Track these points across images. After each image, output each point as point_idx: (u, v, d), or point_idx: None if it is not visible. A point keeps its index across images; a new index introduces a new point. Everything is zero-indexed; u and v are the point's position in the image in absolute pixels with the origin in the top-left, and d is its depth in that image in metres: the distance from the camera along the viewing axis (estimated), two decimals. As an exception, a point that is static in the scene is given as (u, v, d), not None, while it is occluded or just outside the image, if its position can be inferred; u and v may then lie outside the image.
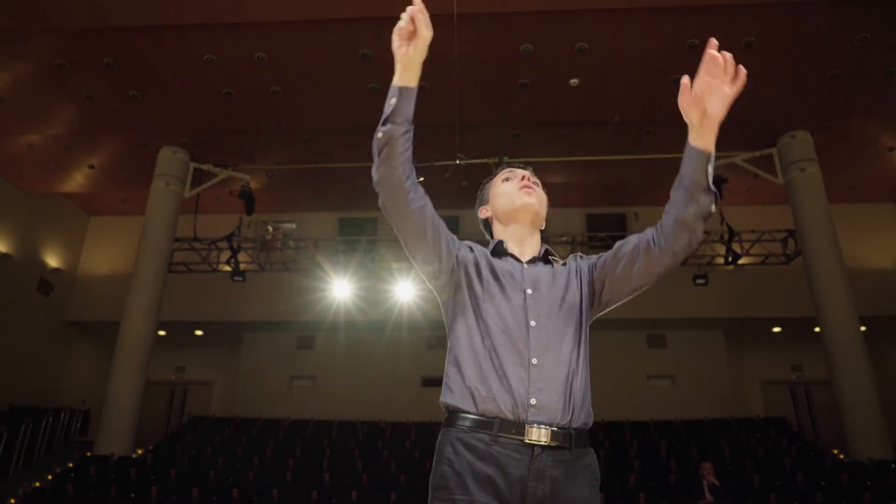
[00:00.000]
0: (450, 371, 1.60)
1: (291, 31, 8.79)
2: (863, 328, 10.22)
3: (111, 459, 9.70)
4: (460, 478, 1.44)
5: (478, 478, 1.43)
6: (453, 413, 1.54)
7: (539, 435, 1.45)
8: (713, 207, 1.50)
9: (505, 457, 1.44)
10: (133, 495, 8.58)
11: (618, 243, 1.68)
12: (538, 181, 1.83)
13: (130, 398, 10.28)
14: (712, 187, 1.49)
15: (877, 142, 11.20)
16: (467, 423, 1.50)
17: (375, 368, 13.25)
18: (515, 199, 1.76)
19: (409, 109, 1.52)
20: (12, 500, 8.79)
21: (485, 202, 1.90)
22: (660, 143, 11.03)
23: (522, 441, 1.45)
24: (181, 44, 8.99)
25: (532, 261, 1.72)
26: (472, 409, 1.50)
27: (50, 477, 9.46)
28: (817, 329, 10.48)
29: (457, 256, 1.67)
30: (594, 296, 1.71)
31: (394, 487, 8.63)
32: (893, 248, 13.64)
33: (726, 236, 11.64)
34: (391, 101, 1.51)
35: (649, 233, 1.60)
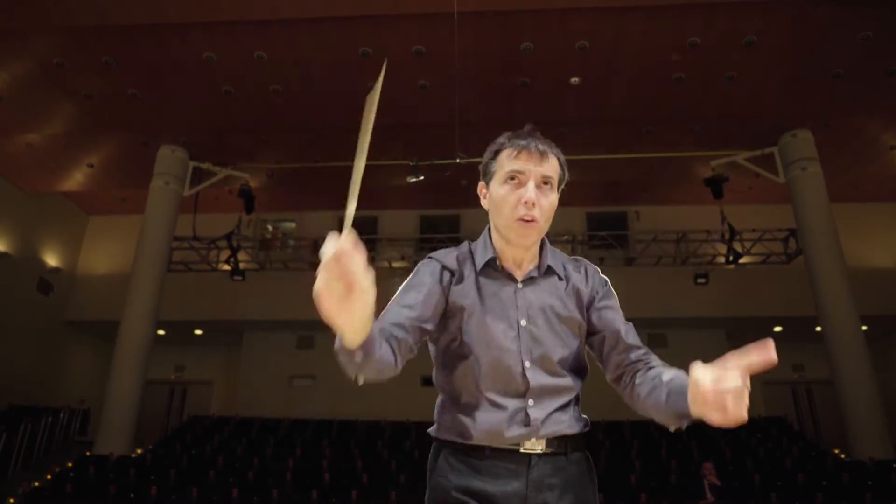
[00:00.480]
0: (439, 406, 1.54)
1: (291, 30, 8.76)
2: (864, 328, 10.20)
3: (110, 459, 9.66)
4: (456, 491, 1.39)
5: (474, 491, 1.38)
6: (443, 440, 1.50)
7: (534, 444, 1.41)
8: (672, 429, 1.39)
9: (501, 469, 1.39)
10: (132, 495, 8.55)
11: (617, 339, 1.52)
12: (553, 180, 1.52)
13: (130, 397, 10.26)
14: (682, 427, 1.34)
15: (878, 141, 11.16)
16: (461, 444, 1.45)
17: (375, 368, 13.17)
18: (510, 232, 1.48)
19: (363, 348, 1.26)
20: (11, 500, 8.76)
21: (485, 181, 1.58)
22: (660, 141, 11.01)
23: (518, 451, 1.40)
24: (181, 42, 8.97)
25: (530, 279, 1.53)
26: (460, 440, 1.45)
27: (49, 477, 9.42)
28: (818, 329, 10.47)
29: (447, 301, 1.49)
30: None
31: (394, 487, 8.60)
32: (895, 248, 13.62)
33: (727, 235, 11.61)
34: (343, 360, 1.26)
35: (630, 373, 1.48)
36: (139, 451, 10.46)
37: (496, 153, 1.55)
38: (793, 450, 10.23)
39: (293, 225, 15.17)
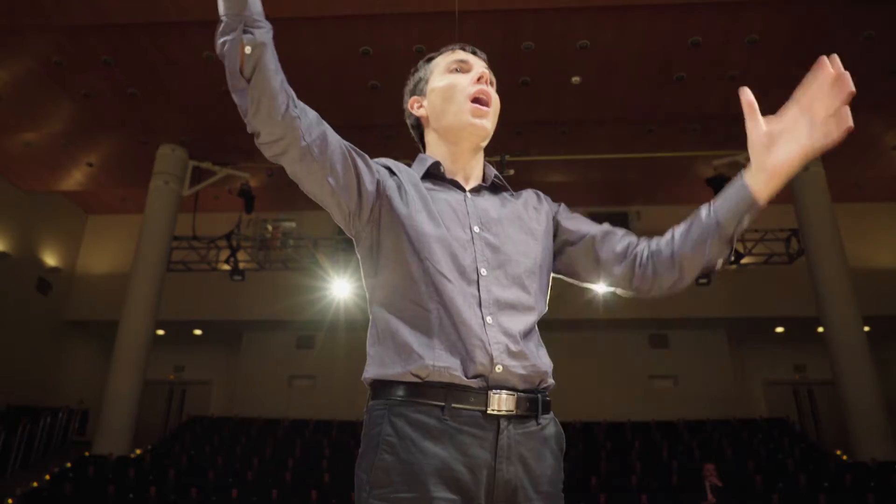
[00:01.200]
0: (374, 336, 1.29)
1: (290, 28, 8.70)
2: (866, 328, 10.17)
3: (109, 459, 9.64)
4: (407, 468, 1.10)
5: (433, 467, 1.10)
6: (384, 384, 1.21)
7: (502, 403, 1.16)
8: (720, 263, 1.26)
9: (464, 435, 1.13)
10: (131, 496, 8.51)
11: (607, 230, 1.40)
12: (493, 79, 1.45)
13: (129, 398, 10.22)
14: (735, 241, 1.24)
15: (881, 140, 11.11)
16: (408, 393, 1.17)
17: (375, 368, 13.14)
18: (464, 117, 1.36)
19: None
20: (10, 501, 8.75)
21: (419, 93, 1.47)
22: (662, 141, 10.96)
23: (484, 412, 1.15)
24: (180, 41, 8.91)
25: (477, 189, 1.39)
26: (415, 380, 1.17)
27: (48, 477, 9.38)
28: (820, 329, 10.43)
29: (378, 182, 1.28)
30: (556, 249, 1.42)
31: (394, 488, 8.54)
32: (897, 248, 13.57)
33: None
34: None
35: (641, 248, 1.35)
36: (138, 451, 10.44)
37: (428, 61, 1.48)
38: (794, 451, 10.21)
39: (293, 225, 15.14)
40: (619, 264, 1.36)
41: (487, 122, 1.37)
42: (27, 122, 10.71)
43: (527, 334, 1.25)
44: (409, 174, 1.36)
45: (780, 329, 13.25)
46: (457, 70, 1.41)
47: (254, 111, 1.14)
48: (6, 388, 11.81)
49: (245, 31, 1.08)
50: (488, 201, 1.38)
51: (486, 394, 1.16)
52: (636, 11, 8.36)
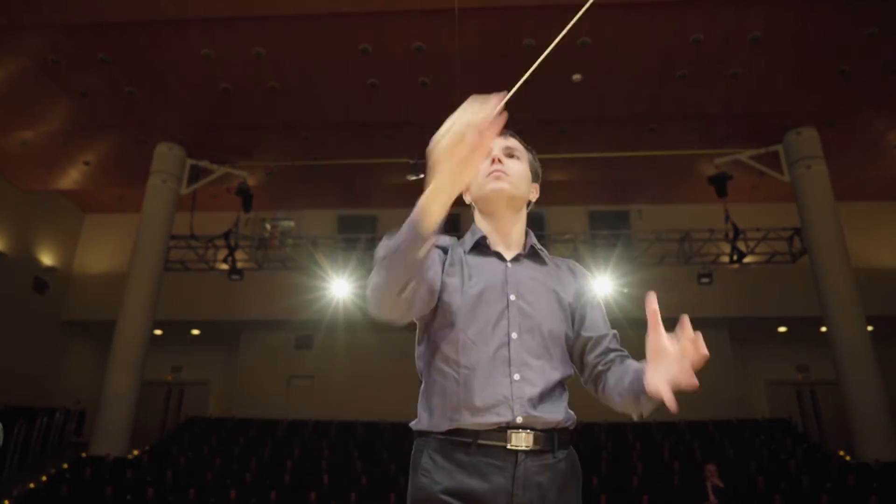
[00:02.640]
0: (424, 398, 1.51)
1: (290, 26, 8.66)
2: (870, 328, 10.08)
3: (107, 460, 9.58)
4: (441, 488, 1.36)
5: (459, 490, 1.35)
6: (427, 431, 1.47)
7: (521, 440, 1.39)
8: (635, 418, 1.45)
9: (487, 466, 1.37)
10: (129, 497, 8.47)
11: (608, 341, 1.58)
12: (520, 153, 1.67)
13: (126, 398, 10.16)
14: (644, 416, 1.42)
15: (884, 138, 11.05)
16: (445, 436, 1.42)
17: (375, 368, 13.13)
18: (485, 187, 1.60)
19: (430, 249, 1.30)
20: (6, 502, 8.70)
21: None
22: (663, 139, 10.91)
23: (505, 447, 1.38)
24: (178, 38, 8.86)
25: (517, 258, 1.61)
26: (446, 425, 1.42)
27: (44, 478, 9.33)
28: (823, 329, 10.36)
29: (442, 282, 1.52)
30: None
31: (393, 489, 8.52)
32: (901, 247, 13.51)
33: (731, 235, 11.51)
34: (417, 254, 1.23)
35: (603, 371, 1.52)
36: (136, 452, 10.39)
37: None
38: (797, 452, 10.17)
39: (292, 224, 15.09)
40: (588, 371, 1.57)
41: (504, 184, 1.59)
42: (24, 121, 10.66)
43: (550, 391, 1.46)
44: (459, 250, 1.60)
45: (782, 329, 13.19)
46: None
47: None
48: (2, 389, 11.73)
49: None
50: (526, 270, 1.59)
51: (507, 433, 1.39)
52: (637, 9, 8.30)
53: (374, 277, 1.29)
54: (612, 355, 1.54)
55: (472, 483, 1.35)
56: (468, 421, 1.39)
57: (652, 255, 12.64)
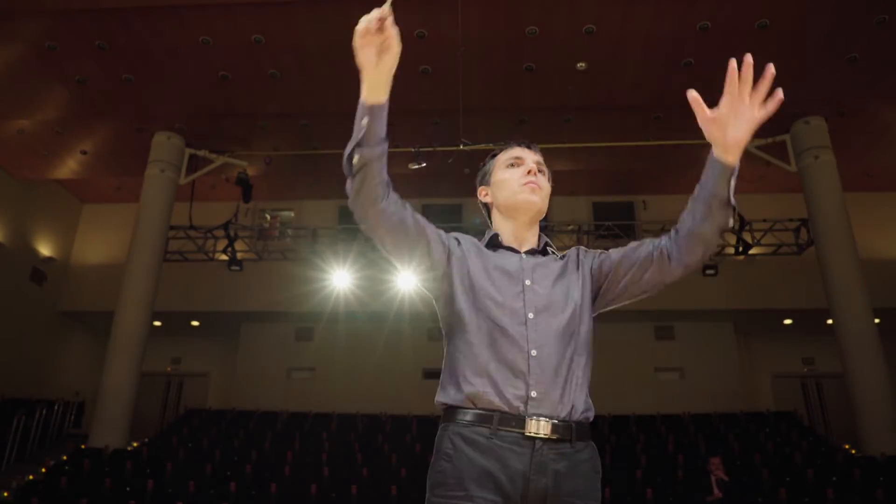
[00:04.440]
0: (445, 369, 1.60)
1: (289, 12, 8.54)
2: (877, 320, 9.98)
3: (106, 452, 9.54)
4: (460, 473, 1.42)
5: (478, 473, 1.41)
6: (450, 409, 1.53)
7: (539, 427, 1.45)
8: (731, 222, 1.51)
9: (506, 450, 1.43)
10: (128, 489, 8.41)
11: (631, 245, 1.68)
12: (545, 169, 1.78)
13: (125, 390, 10.10)
14: (733, 201, 1.48)
15: (894, 128, 10.92)
16: (467, 418, 1.48)
17: (376, 360, 13.06)
18: (518, 194, 1.70)
19: (382, 127, 1.43)
20: (5, 494, 8.67)
21: (486, 183, 1.84)
22: (670, 128, 10.76)
23: (523, 434, 1.44)
24: (175, 25, 8.74)
25: (530, 252, 1.71)
26: (470, 405, 1.49)
27: (43, 470, 9.27)
28: (830, 321, 10.28)
29: (449, 248, 1.64)
30: (597, 293, 1.70)
31: (395, 481, 8.45)
32: (909, 239, 13.38)
33: (737, 226, 11.40)
34: (362, 123, 1.41)
35: (663, 241, 1.60)
36: (135, 444, 10.35)
37: (492, 156, 1.85)
38: (802, 445, 10.10)
39: (291, 214, 14.99)
40: (651, 266, 1.61)
41: (538, 198, 1.70)
42: (20, 109, 10.55)
43: (567, 370, 1.53)
44: (473, 242, 1.70)
45: (788, 321, 13.09)
46: (512, 165, 1.75)
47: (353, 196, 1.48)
48: (0, 381, 11.68)
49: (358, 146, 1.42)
50: (539, 262, 1.68)
51: (525, 419, 1.45)
52: (644, -6, 8.17)
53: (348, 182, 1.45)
54: (651, 241, 1.63)
55: (491, 466, 1.41)
56: (485, 391, 1.48)
57: (656, 247, 12.50)
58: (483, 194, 1.83)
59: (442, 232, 1.65)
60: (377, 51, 1.37)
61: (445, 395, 1.55)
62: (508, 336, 1.51)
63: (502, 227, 1.75)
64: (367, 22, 1.34)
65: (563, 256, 1.74)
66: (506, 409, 1.46)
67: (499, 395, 1.46)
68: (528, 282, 1.61)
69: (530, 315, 1.54)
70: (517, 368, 1.48)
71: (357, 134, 1.41)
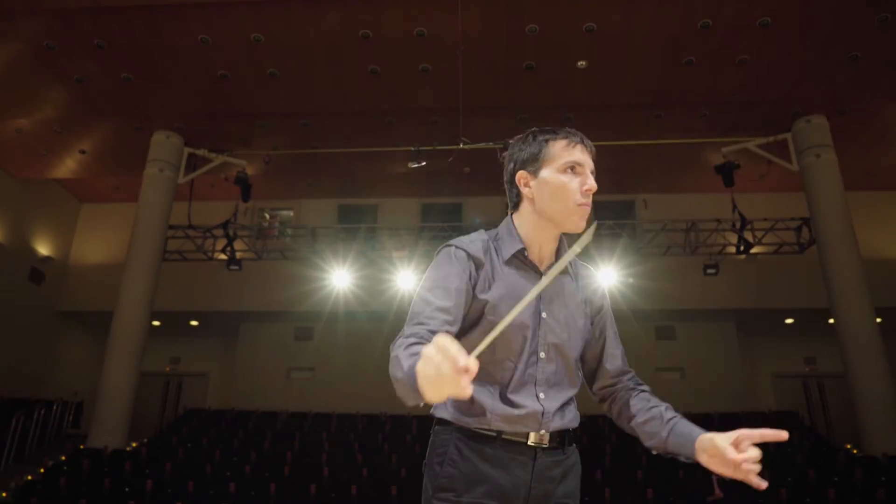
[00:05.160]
0: None
1: (289, 11, 8.50)
2: (878, 320, 9.96)
3: (105, 453, 9.50)
4: (467, 480, 1.44)
5: (485, 481, 1.44)
6: (451, 422, 1.53)
7: (539, 438, 1.50)
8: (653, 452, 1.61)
9: (510, 460, 1.47)
10: (127, 489, 8.39)
11: (622, 362, 1.72)
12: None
13: (124, 390, 10.07)
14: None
15: (895, 128, 10.87)
16: (472, 427, 1.50)
17: (376, 360, 12.96)
18: (572, 217, 1.56)
19: None
20: (4, 494, 8.64)
21: (531, 173, 1.60)
22: (670, 127, 10.74)
23: (525, 443, 1.49)
24: (174, 24, 8.70)
25: (548, 267, 1.65)
26: (474, 424, 1.49)
27: (42, 470, 9.27)
28: (831, 321, 10.23)
29: (473, 292, 1.55)
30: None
31: (394, 482, 8.42)
32: (910, 238, 13.35)
33: (738, 225, 11.36)
34: (412, 395, 1.22)
35: (619, 391, 1.69)
36: (134, 444, 10.32)
37: (545, 142, 1.61)
38: (804, 445, 10.10)
39: (291, 213, 14.95)
40: (598, 388, 1.73)
41: (585, 223, 1.58)
42: (18, 109, 10.52)
43: (567, 402, 1.59)
44: (495, 259, 1.58)
45: (789, 320, 13.06)
46: (571, 170, 1.56)
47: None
48: (-1, 380, 11.66)
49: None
50: (557, 289, 1.62)
51: (528, 432, 1.51)
52: (645, -8, 8.13)
53: (392, 371, 1.30)
54: (625, 378, 1.70)
55: (496, 475, 1.45)
56: (496, 425, 1.48)
57: (657, 246, 12.49)
58: (524, 183, 1.62)
59: (459, 282, 1.51)
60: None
61: (448, 414, 1.54)
62: (520, 376, 1.52)
63: (531, 234, 1.60)
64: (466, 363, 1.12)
65: (581, 275, 1.71)
66: (509, 428, 1.50)
67: (507, 430, 1.49)
68: (544, 314, 1.57)
69: (542, 355, 1.54)
70: (529, 410, 1.50)
71: (409, 395, 1.22)
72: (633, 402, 1.65)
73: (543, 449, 1.51)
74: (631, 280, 11.62)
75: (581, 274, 1.71)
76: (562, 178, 1.55)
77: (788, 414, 11.90)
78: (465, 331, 1.54)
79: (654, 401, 1.64)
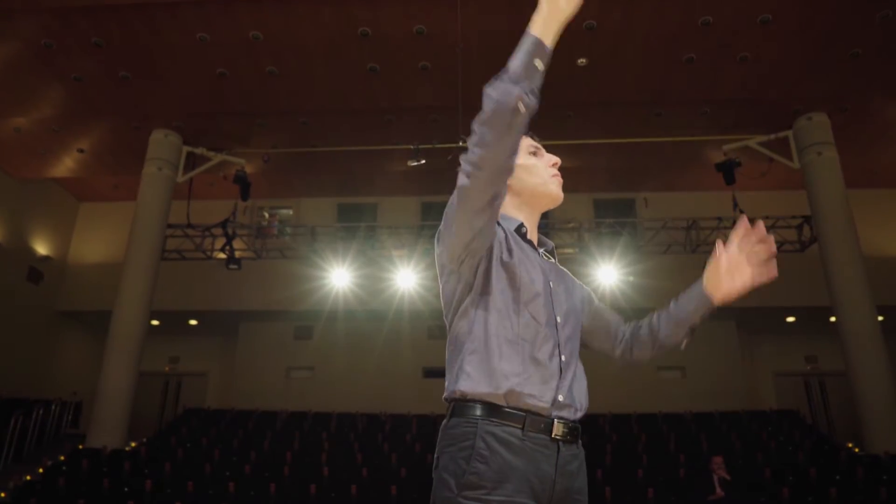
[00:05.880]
0: (471, 356, 1.48)
1: (287, 9, 8.49)
2: (880, 318, 9.96)
3: (104, 453, 9.48)
4: (498, 476, 1.38)
5: (516, 476, 1.39)
6: (473, 402, 1.46)
7: (561, 430, 1.47)
8: (684, 344, 1.71)
9: (536, 453, 1.43)
10: (126, 489, 8.37)
11: (619, 318, 1.84)
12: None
13: (123, 390, 10.06)
14: (696, 329, 1.68)
15: (896, 125, 10.87)
16: (498, 416, 1.44)
17: (375, 359, 13.01)
18: (550, 186, 1.71)
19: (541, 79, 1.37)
20: (2, 494, 8.61)
21: None
22: (670, 125, 10.73)
23: (550, 437, 1.46)
24: (173, 22, 8.70)
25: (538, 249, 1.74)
26: (501, 402, 1.44)
27: (41, 471, 9.24)
28: (833, 319, 10.23)
29: (491, 241, 1.57)
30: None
31: (394, 481, 8.40)
32: (912, 236, 13.32)
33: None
34: (536, 64, 1.32)
35: (622, 330, 1.80)
36: (133, 444, 10.30)
37: None
38: (805, 443, 10.04)
39: (290, 212, 14.93)
40: (604, 340, 1.82)
41: (562, 193, 1.74)
42: (16, 107, 10.52)
43: (578, 373, 1.59)
44: (508, 231, 1.64)
45: (791, 319, 13.03)
46: (533, 154, 1.75)
47: (493, 143, 1.32)
48: (-2, 380, 11.63)
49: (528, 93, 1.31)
50: (549, 264, 1.71)
51: (552, 422, 1.47)
52: (645, -11, 8.10)
53: (479, 136, 1.31)
54: (620, 323, 1.82)
55: (526, 469, 1.40)
56: (523, 392, 1.45)
57: (658, 244, 12.47)
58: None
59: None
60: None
61: (471, 384, 1.45)
62: (546, 337, 1.51)
63: (516, 213, 1.71)
64: None
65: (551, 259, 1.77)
66: (536, 410, 1.45)
67: (533, 395, 1.45)
68: (552, 283, 1.62)
69: (559, 319, 1.57)
70: (552, 370, 1.49)
71: (532, 76, 1.31)
72: (639, 326, 1.78)
73: (564, 442, 1.48)
74: (631, 278, 11.60)
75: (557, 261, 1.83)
76: (530, 159, 1.73)
77: (790, 412, 11.86)
78: (485, 292, 1.52)
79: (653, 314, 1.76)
